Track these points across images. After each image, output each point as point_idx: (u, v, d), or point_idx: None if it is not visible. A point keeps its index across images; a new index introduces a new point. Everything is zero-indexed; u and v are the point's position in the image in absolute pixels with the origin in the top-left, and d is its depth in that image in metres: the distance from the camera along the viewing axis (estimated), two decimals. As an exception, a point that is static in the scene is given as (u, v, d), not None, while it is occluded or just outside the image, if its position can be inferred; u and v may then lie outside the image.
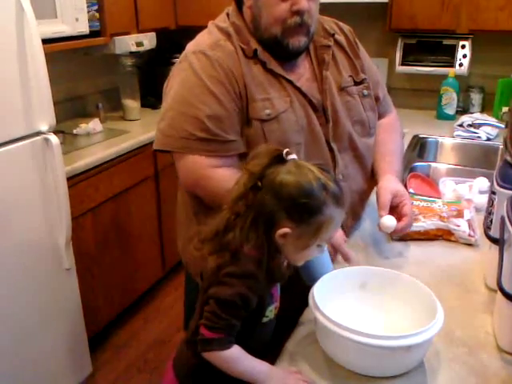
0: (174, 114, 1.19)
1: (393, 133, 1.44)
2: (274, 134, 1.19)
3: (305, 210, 0.85)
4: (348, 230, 1.34)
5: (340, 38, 1.33)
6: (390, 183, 1.24)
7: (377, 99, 1.39)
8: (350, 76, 1.32)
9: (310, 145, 1.23)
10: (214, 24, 1.26)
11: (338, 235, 1.14)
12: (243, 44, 1.21)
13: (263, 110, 1.19)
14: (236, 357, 0.87)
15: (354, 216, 1.37)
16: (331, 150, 1.27)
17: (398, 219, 1.19)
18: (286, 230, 0.86)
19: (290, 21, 1.17)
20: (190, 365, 0.97)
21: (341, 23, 1.38)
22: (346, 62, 1.33)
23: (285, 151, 0.88)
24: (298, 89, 1.24)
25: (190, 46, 1.24)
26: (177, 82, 1.21)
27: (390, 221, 1.18)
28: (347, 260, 1.13)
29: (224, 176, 1.16)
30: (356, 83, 1.32)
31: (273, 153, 0.88)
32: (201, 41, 1.24)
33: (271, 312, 0.94)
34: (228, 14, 1.27)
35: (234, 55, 1.19)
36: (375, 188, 1.32)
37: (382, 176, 1.29)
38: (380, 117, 1.42)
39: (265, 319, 0.93)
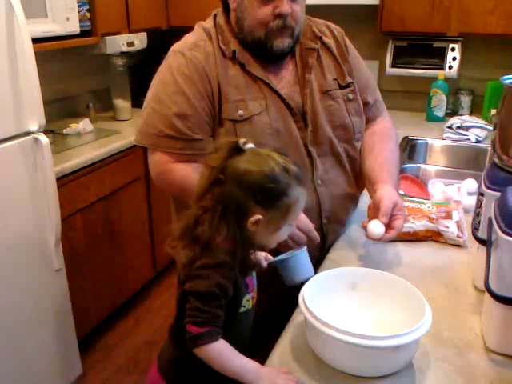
0: (149, 111, 1.23)
1: (388, 140, 1.39)
2: (245, 135, 1.18)
3: (272, 195, 0.88)
4: (330, 235, 1.33)
5: (329, 41, 1.32)
6: (391, 194, 1.20)
7: (366, 104, 1.37)
8: (335, 79, 1.31)
9: (286, 148, 1.22)
10: (201, 25, 1.29)
11: (305, 220, 1.16)
12: (223, 45, 1.22)
13: (236, 111, 1.20)
14: (225, 351, 0.88)
15: (337, 221, 1.34)
16: (309, 154, 1.26)
17: (386, 230, 1.15)
18: (258, 216, 0.88)
19: (273, 24, 1.18)
20: (172, 358, 0.99)
21: (332, 25, 1.37)
22: (332, 65, 1.31)
23: (241, 141, 0.90)
24: (276, 92, 1.24)
25: (174, 46, 1.27)
26: (156, 81, 1.25)
27: (378, 228, 1.14)
28: (316, 240, 1.18)
29: (185, 170, 1.21)
30: (341, 87, 1.31)
31: (230, 144, 0.90)
32: (184, 41, 1.27)
33: (248, 302, 0.96)
34: (215, 16, 1.28)
35: (211, 56, 1.21)
36: (365, 192, 1.31)
37: (381, 185, 1.23)
38: (369, 121, 1.40)
39: (242, 309, 0.95)
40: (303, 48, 1.29)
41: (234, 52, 1.22)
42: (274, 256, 1.12)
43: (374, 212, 1.17)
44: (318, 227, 1.24)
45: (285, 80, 1.27)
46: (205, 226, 0.89)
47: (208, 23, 1.27)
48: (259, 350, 1.01)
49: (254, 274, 0.99)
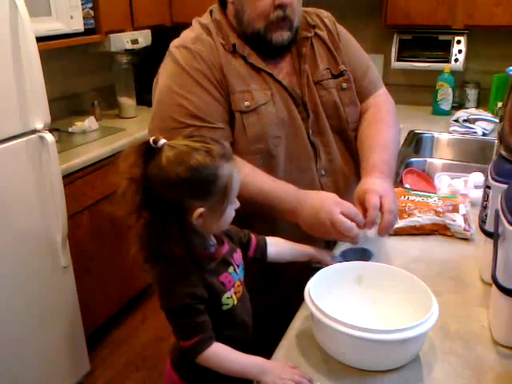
0: (163, 107, 1.20)
1: (377, 124, 1.32)
2: (253, 126, 1.19)
3: (204, 184, 0.87)
4: None
5: (321, 32, 1.30)
6: (362, 185, 1.14)
7: (358, 85, 1.33)
8: (327, 69, 1.29)
9: (291, 139, 1.23)
10: (198, 20, 1.28)
11: (349, 205, 1.08)
12: (222, 39, 1.22)
13: (242, 102, 1.19)
14: (222, 353, 0.88)
15: None
16: (313, 144, 1.26)
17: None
18: (199, 210, 0.87)
19: (273, 15, 1.17)
20: (181, 352, 0.98)
21: (323, 14, 1.35)
22: (325, 54, 1.30)
23: (151, 140, 0.87)
24: (279, 82, 1.23)
25: (174, 42, 1.25)
26: (163, 77, 1.23)
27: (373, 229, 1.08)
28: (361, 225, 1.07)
29: None
30: (334, 76, 1.29)
31: (140, 148, 0.87)
32: (184, 36, 1.25)
33: (229, 299, 0.95)
34: (211, 11, 1.28)
35: (214, 49, 1.20)
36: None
37: (362, 177, 1.18)
38: (361, 101, 1.35)
39: (225, 307, 0.94)
40: (299, 38, 1.28)
41: (234, 46, 1.21)
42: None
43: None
44: None
45: (284, 71, 1.26)
46: (154, 239, 0.88)
47: (205, 19, 1.26)
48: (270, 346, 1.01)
49: (232, 269, 0.97)
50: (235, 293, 0.97)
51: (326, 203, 1.07)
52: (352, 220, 1.05)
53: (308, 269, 1.11)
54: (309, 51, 1.28)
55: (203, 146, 0.88)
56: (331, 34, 1.32)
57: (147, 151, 0.87)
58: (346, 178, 1.33)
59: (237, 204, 0.94)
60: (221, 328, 0.92)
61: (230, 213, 0.93)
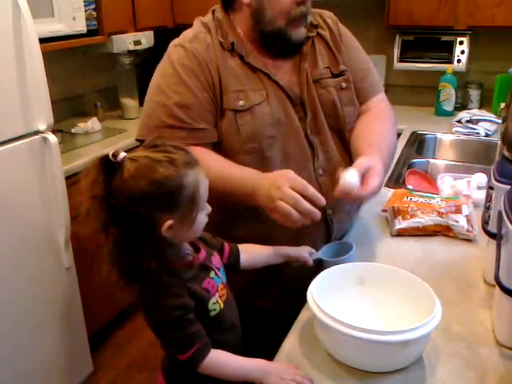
0: (151, 104, 1.23)
1: (378, 120, 1.31)
2: (246, 125, 1.19)
3: (170, 196, 0.85)
4: (335, 224, 1.29)
5: (324, 32, 1.31)
6: (370, 158, 1.13)
7: (358, 87, 1.32)
8: (327, 68, 1.29)
9: (288, 139, 1.23)
10: (199, 19, 1.29)
11: (295, 177, 1.04)
12: (222, 38, 1.23)
13: (237, 101, 1.19)
14: (221, 359, 0.88)
15: (341, 211, 1.30)
16: (310, 144, 1.26)
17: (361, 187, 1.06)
18: (168, 222, 0.85)
19: (295, 12, 1.18)
20: (170, 362, 0.98)
21: (326, 14, 1.36)
22: (326, 54, 1.30)
23: (110, 154, 0.85)
24: (276, 82, 1.23)
25: (174, 41, 1.26)
26: (157, 75, 1.25)
27: (353, 177, 1.04)
28: (318, 200, 1.02)
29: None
30: (334, 75, 1.29)
31: (99, 162, 0.85)
32: (183, 35, 1.26)
33: (215, 304, 0.94)
34: (214, 11, 1.29)
35: (210, 47, 1.21)
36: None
37: (366, 154, 1.16)
38: (361, 103, 1.35)
39: (212, 313, 0.93)
40: None
41: (233, 44, 1.22)
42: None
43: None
44: (322, 218, 1.22)
45: (283, 70, 1.26)
46: (126, 256, 0.86)
47: (206, 18, 1.28)
48: (269, 347, 1.01)
49: (213, 273, 0.96)
50: (220, 297, 0.96)
51: (277, 179, 1.04)
52: (300, 193, 1.01)
53: (305, 267, 1.12)
54: (309, 50, 1.28)
55: (165, 157, 0.85)
56: (333, 34, 1.32)
57: (107, 166, 0.85)
58: None
59: (208, 209, 0.92)
60: (212, 334, 0.91)
61: (202, 219, 0.91)
